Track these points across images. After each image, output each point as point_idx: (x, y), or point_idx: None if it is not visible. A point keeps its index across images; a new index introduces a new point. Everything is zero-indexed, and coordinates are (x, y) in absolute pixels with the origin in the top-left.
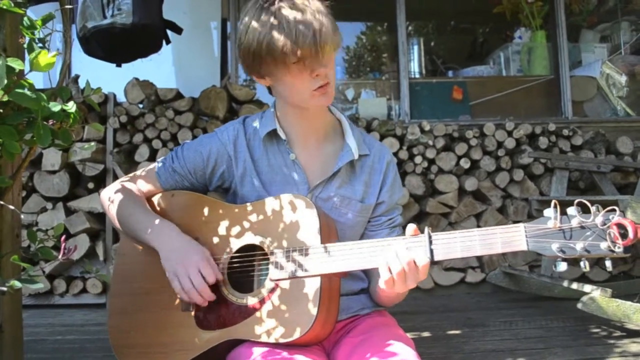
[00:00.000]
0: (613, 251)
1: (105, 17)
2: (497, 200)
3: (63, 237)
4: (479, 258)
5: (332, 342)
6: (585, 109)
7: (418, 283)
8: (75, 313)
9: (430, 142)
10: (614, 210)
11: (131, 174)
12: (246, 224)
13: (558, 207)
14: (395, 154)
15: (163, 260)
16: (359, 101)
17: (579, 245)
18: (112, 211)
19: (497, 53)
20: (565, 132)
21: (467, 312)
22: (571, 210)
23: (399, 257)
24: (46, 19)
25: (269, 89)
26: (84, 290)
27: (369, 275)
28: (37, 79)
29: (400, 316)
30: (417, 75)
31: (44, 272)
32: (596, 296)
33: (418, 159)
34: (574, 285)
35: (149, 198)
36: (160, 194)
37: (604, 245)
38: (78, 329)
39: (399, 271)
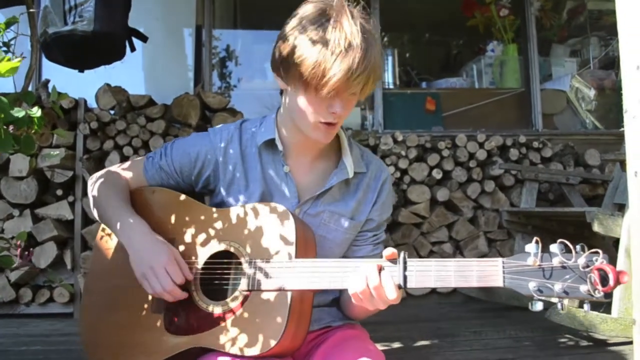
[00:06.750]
0: (592, 295)
1: (66, 23)
2: (469, 210)
3: (19, 244)
4: None
5: (303, 353)
6: (555, 122)
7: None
8: (41, 323)
9: (403, 153)
10: (597, 252)
11: (120, 164)
12: (224, 230)
13: (540, 243)
14: None
15: (131, 261)
16: None
17: (557, 286)
18: (93, 197)
19: (470, 65)
20: (536, 144)
21: (438, 322)
22: (554, 248)
23: (368, 281)
24: (10, 23)
25: (281, 92)
26: (50, 300)
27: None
28: (8, 85)
29: (370, 326)
30: (391, 86)
31: (9, 280)
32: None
33: (391, 169)
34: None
35: (132, 191)
36: (142, 189)
37: (583, 288)
38: (43, 339)
39: (367, 296)
